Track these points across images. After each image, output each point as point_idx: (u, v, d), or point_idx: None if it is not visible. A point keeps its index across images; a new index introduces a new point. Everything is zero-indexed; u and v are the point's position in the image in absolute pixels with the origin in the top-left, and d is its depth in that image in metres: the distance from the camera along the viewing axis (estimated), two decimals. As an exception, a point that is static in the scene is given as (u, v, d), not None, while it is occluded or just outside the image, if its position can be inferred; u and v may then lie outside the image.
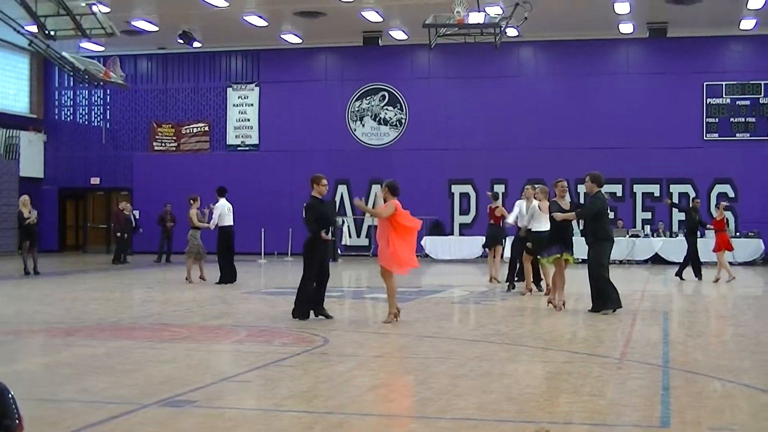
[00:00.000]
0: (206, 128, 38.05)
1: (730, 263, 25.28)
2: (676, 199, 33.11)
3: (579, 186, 29.63)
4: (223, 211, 22.27)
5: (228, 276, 22.19)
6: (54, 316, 15.02)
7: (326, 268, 14.76)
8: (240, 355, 11.21)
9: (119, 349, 11.31)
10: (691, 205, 25.87)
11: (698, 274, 24.15)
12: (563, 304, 15.90)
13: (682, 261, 24.95)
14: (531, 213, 18.50)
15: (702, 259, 24.62)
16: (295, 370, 9.77)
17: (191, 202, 23.18)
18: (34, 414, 7.17)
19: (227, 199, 22.61)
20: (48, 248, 36.08)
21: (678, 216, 32.72)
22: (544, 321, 14.44)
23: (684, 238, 25.30)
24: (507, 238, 22.87)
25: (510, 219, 20.50)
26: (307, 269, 14.53)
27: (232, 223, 22.39)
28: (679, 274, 24.41)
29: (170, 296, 19.13)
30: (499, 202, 23.00)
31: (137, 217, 34.66)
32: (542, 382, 9.35)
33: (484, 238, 23.99)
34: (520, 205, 19.64)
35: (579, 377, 9.44)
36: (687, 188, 33.63)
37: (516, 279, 20.31)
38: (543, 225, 17.66)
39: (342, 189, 35.83)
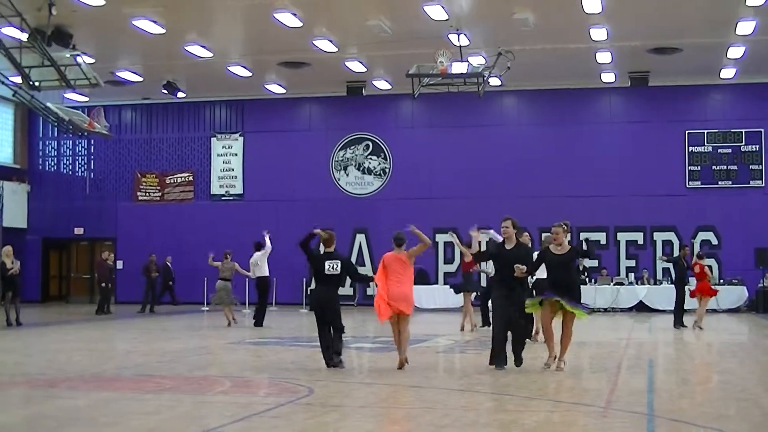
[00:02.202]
0: (190, 178, 38.07)
1: (714, 310, 25.28)
2: (659, 248, 33.27)
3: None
4: (259, 263, 24.98)
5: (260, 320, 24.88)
6: (36, 368, 14.91)
7: (330, 317, 14.66)
8: (224, 406, 11.14)
9: (102, 401, 11.23)
10: (679, 254, 25.83)
11: (680, 322, 24.06)
12: (557, 362, 14.37)
13: (674, 310, 24.69)
14: None
15: (685, 307, 24.55)
16: (280, 421, 9.72)
17: (227, 256, 25.74)
18: (16, 467, 7.12)
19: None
20: (31, 299, 35.87)
21: (664, 264, 32.74)
22: (530, 370, 14.39)
23: (674, 286, 25.17)
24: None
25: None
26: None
27: (267, 274, 25.18)
28: (677, 323, 24.17)
29: (154, 347, 19.03)
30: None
31: (170, 266, 34.22)
32: (527, 431, 9.31)
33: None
34: None
35: (564, 426, 9.41)
36: (670, 236, 33.76)
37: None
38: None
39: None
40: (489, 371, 14.08)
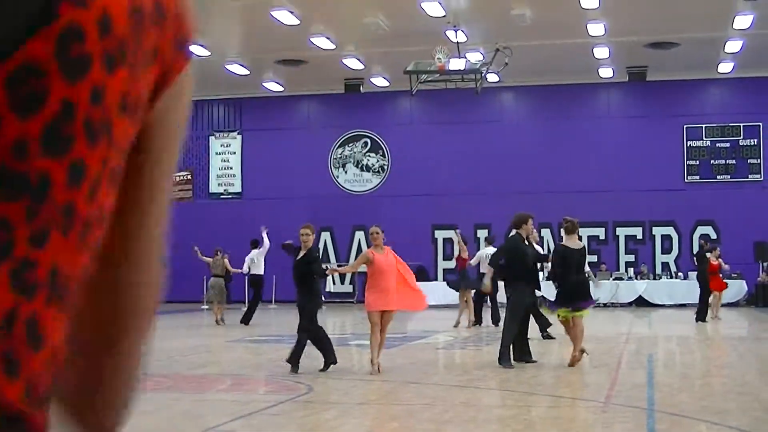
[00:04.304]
0: (189, 177, 37.99)
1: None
2: (658, 243, 33.37)
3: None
4: (255, 260, 25.72)
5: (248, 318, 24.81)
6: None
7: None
8: (224, 404, 11.13)
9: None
10: (702, 248, 25.98)
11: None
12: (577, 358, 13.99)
13: (700, 304, 24.81)
14: None
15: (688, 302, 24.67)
16: (280, 419, 9.71)
17: (217, 253, 25.97)
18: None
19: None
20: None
21: (662, 258, 32.92)
22: (529, 366, 14.39)
23: (698, 281, 25.42)
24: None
25: None
26: None
27: (262, 273, 25.78)
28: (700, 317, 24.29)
29: (152, 345, 19.00)
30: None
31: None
32: (528, 427, 9.30)
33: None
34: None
35: (565, 422, 9.40)
36: (669, 230, 33.78)
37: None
38: None
39: (325, 236, 35.79)
40: (490, 367, 14.05)
